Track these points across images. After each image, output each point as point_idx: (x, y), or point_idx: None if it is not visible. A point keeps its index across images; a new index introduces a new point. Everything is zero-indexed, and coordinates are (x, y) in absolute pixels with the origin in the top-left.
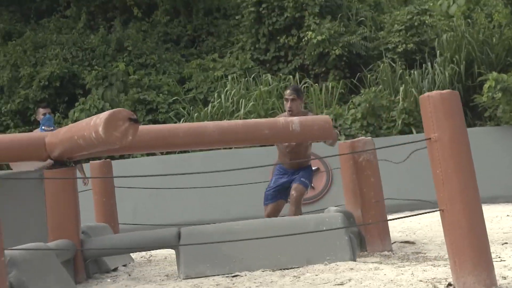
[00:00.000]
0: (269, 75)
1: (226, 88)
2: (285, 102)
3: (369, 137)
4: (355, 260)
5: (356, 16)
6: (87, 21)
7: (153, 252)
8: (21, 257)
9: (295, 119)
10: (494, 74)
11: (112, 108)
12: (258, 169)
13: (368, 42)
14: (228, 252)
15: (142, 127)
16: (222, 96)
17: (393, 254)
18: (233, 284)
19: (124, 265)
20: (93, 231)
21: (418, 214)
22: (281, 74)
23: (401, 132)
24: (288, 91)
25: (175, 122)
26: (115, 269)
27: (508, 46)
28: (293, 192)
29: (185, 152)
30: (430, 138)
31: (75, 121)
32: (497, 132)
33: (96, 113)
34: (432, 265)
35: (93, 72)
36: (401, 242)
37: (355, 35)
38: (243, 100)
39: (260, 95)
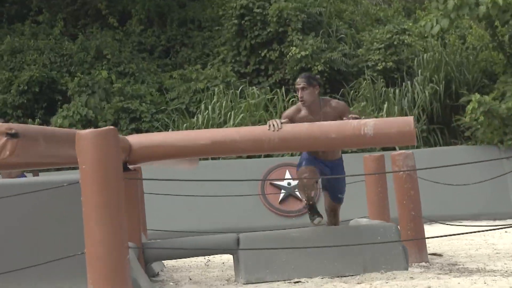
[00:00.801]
0: (255, 88)
1: (214, 100)
2: (297, 93)
3: (410, 151)
4: (407, 270)
5: (336, 33)
6: (61, 27)
7: (210, 257)
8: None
9: (370, 121)
10: (477, 96)
11: (95, 116)
12: (247, 182)
13: (348, 59)
14: (287, 258)
15: (193, 133)
16: (210, 107)
17: (430, 265)
18: None
19: (161, 271)
20: None
21: (499, 228)
22: (268, 87)
23: (384, 149)
24: (297, 80)
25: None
26: (157, 274)
27: (484, 67)
28: (330, 211)
29: None
30: None
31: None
32: (478, 151)
33: (79, 120)
34: (491, 275)
35: (76, 79)
36: (429, 254)
37: (336, 52)
38: (232, 112)
39: (248, 107)
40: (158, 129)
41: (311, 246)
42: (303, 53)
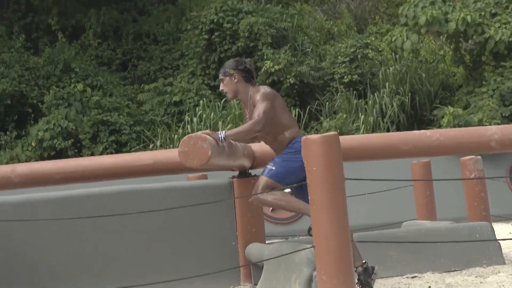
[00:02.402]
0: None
1: (199, 112)
2: None
3: (479, 156)
4: (505, 264)
5: (302, 47)
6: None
7: None
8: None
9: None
10: (451, 108)
11: (75, 128)
12: None
13: (314, 72)
14: (397, 256)
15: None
16: (195, 119)
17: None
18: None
19: None
20: None
21: None
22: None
23: None
24: None
25: (138, 144)
26: None
27: (442, 79)
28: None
29: None
30: None
31: (41, 140)
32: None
33: (60, 132)
34: None
35: (52, 92)
36: None
37: (304, 65)
38: (220, 123)
39: (234, 118)
40: (137, 141)
41: (418, 241)
42: (276, 66)
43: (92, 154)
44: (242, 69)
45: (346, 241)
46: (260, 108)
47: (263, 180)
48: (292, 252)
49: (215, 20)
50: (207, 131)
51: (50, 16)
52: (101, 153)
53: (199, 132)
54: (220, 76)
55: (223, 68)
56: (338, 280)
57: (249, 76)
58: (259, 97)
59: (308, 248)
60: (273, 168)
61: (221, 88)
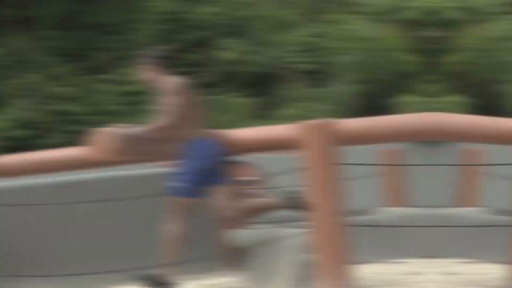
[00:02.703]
0: None
1: None
2: None
3: None
4: None
5: (257, 37)
6: None
7: None
8: None
9: None
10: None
11: (35, 118)
12: None
13: (270, 61)
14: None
15: None
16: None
17: None
18: None
19: None
20: None
21: None
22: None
23: None
24: None
25: None
26: None
27: (400, 67)
28: None
29: None
30: None
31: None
32: None
33: (20, 123)
34: None
35: (10, 83)
36: None
37: (260, 55)
38: None
39: None
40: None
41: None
42: (231, 56)
43: (52, 145)
44: (158, 57)
45: (342, 224)
46: (167, 104)
47: (180, 201)
48: (284, 237)
49: (171, 10)
50: (122, 125)
51: (3, 6)
52: (61, 144)
53: (112, 128)
54: (138, 65)
55: (140, 56)
56: (334, 261)
57: (166, 64)
58: (167, 90)
59: (301, 232)
60: (180, 184)
61: (138, 76)
